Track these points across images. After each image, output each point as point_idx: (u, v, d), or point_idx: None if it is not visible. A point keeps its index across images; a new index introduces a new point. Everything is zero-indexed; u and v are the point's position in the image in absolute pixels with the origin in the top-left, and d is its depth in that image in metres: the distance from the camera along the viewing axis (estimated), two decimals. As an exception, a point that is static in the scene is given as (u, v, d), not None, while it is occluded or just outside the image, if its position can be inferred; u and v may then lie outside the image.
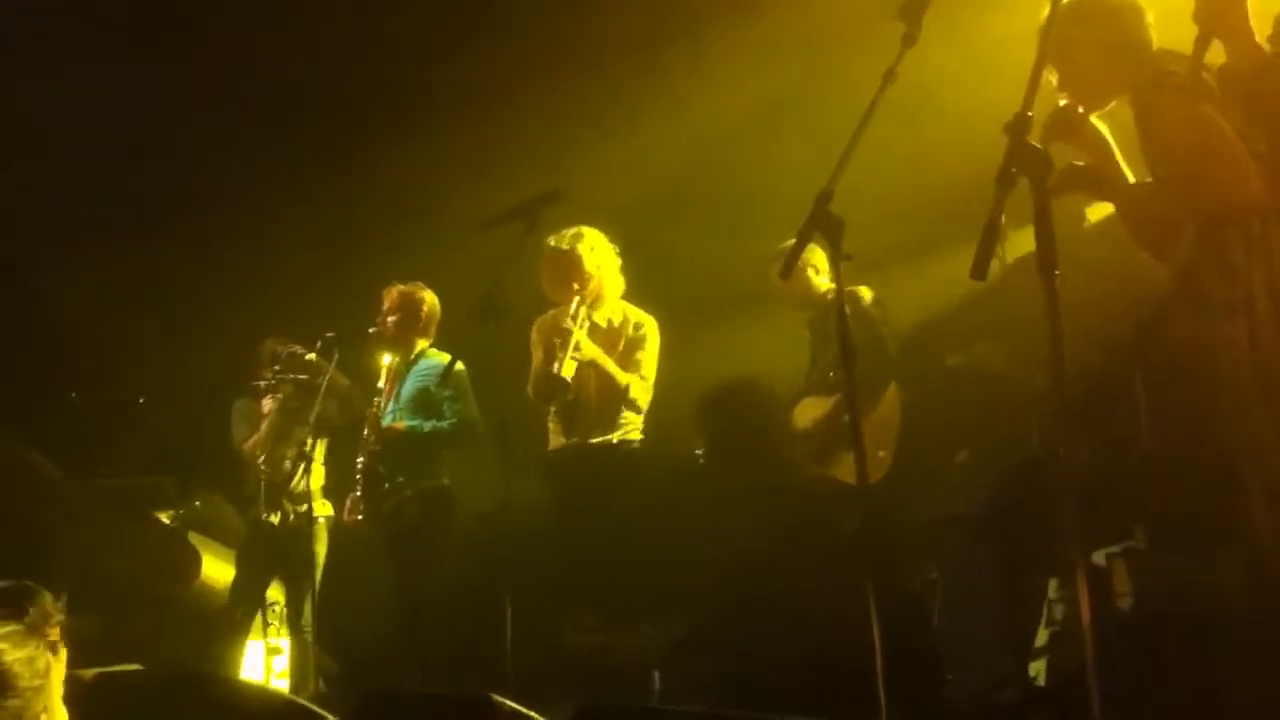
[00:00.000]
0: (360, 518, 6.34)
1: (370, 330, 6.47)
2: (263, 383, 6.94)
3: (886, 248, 6.07)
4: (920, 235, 6.28)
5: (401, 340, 6.48)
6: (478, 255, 6.15)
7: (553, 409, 5.98)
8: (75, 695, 2.66)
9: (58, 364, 7.94)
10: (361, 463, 6.36)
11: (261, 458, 6.89)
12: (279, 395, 6.87)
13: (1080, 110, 3.79)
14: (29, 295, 7.90)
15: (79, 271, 7.88)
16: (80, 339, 7.96)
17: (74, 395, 7.70)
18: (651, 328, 6.05)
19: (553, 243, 5.94)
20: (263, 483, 6.88)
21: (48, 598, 3.64)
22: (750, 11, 6.54)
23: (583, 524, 5.77)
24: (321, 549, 6.83)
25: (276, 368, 6.88)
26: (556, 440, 6.00)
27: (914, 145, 5.80)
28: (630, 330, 6.03)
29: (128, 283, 7.91)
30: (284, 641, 7.29)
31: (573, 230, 5.96)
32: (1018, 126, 2.93)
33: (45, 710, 2.47)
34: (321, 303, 7.22)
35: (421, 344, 6.53)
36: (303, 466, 6.92)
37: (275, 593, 6.96)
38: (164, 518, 7.25)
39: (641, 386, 5.94)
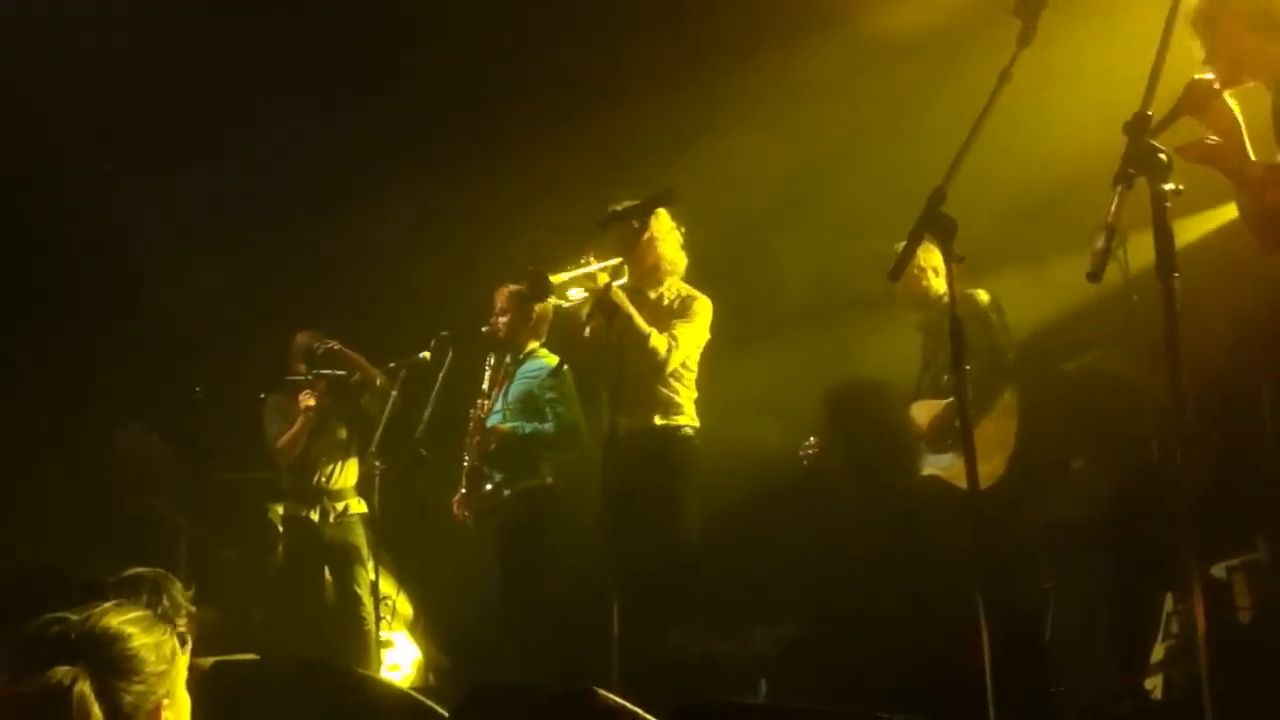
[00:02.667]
0: (468, 514, 6.41)
1: (482, 329, 6.51)
2: (298, 378, 7.02)
3: (1003, 250, 5.99)
4: (1038, 237, 6.17)
5: (512, 340, 6.51)
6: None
7: (605, 386, 5.71)
8: (193, 683, 2.72)
9: (184, 362, 8.14)
10: (467, 462, 6.41)
11: (296, 454, 7.00)
12: (315, 391, 6.95)
13: (1216, 86, 3.70)
14: (160, 297, 8.11)
15: (205, 274, 8.08)
16: (206, 339, 8.16)
17: (198, 390, 7.87)
18: (702, 303, 5.88)
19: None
20: (314, 480, 7.00)
21: (179, 588, 3.73)
22: (866, 11, 6.48)
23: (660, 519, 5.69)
24: (364, 543, 6.94)
25: (306, 364, 6.97)
26: (611, 420, 5.83)
27: (1031, 145, 5.71)
28: (678, 304, 5.88)
29: (249, 285, 8.08)
30: (396, 635, 7.41)
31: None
32: (1137, 126, 2.87)
33: (168, 695, 2.52)
34: (435, 302, 7.30)
35: (532, 344, 6.55)
36: (340, 464, 7.04)
37: (387, 586, 7.06)
38: (279, 510, 7.40)
39: (663, 342, 5.70)
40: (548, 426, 6.34)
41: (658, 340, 5.72)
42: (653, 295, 5.90)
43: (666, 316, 5.85)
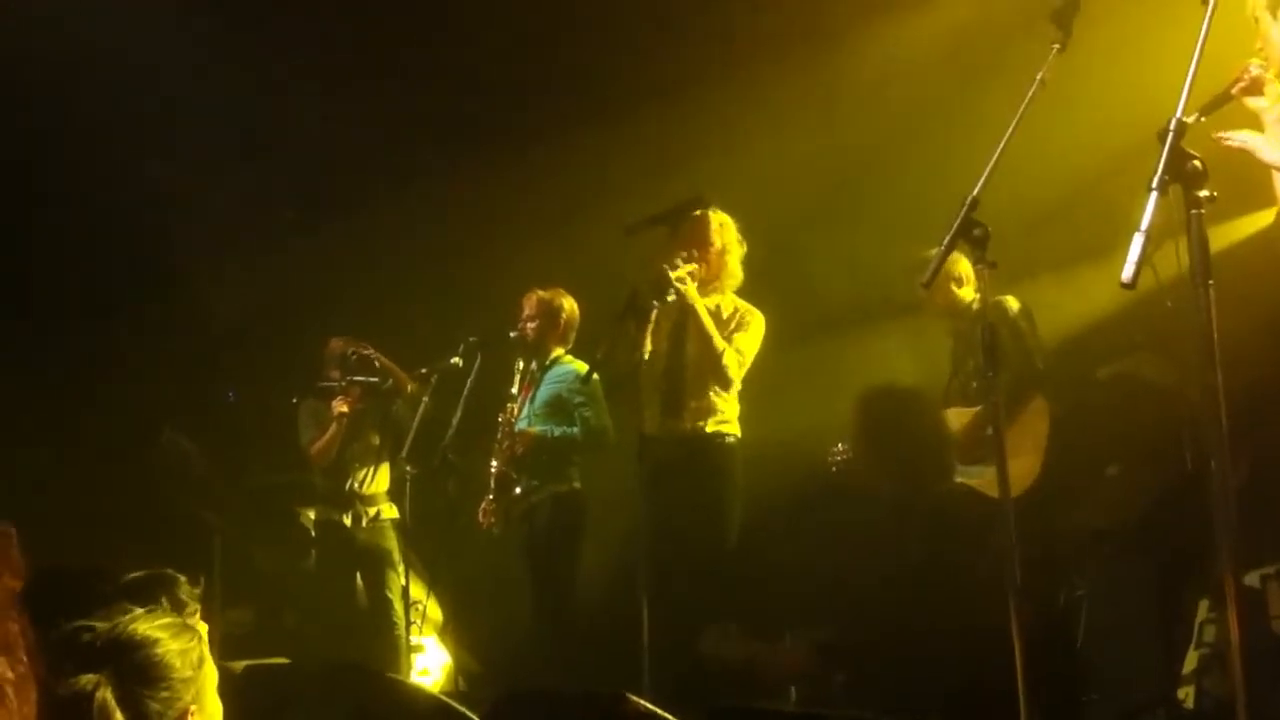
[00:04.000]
0: (494, 521, 6.41)
1: (510, 335, 6.53)
2: (332, 384, 7.06)
3: (1035, 256, 5.97)
4: (1070, 243, 6.15)
5: (540, 345, 6.52)
6: (621, 261, 6.18)
7: (650, 388, 5.81)
8: (225, 686, 2.74)
9: (217, 365, 8.20)
10: (495, 467, 6.42)
11: (329, 460, 7.04)
12: (348, 397, 6.98)
13: (1269, 73, 3.68)
14: (193, 302, 8.17)
15: (238, 279, 8.13)
16: (238, 343, 8.21)
17: (230, 395, 7.93)
18: (758, 319, 5.92)
19: None
20: (347, 485, 7.04)
21: (186, 587, 3.74)
22: (898, 16, 6.47)
23: (694, 524, 5.70)
24: (395, 548, 6.97)
25: (340, 370, 7.01)
26: (652, 421, 5.78)
27: (1064, 150, 5.69)
28: (736, 319, 5.91)
29: (281, 289, 8.13)
30: (427, 640, 7.44)
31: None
32: (1172, 133, 2.86)
33: (195, 701, 2.54)
34: (464, 306, 7.32)
35: (558, 350, 6.55)
36: (372, 469, 7.07)
37: (418, 591, 7.09)
38: (311, 514, 7.44)
39: (735, 359, 5.78)
40: (576, 430, 6.35)
41: (730, 357, 5.77)
42: (711, 305, 5.89)
43: (724, 328, 5.87)
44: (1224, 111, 3.66)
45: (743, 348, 5.84)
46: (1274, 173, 3.68)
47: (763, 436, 6.07)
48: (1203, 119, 3.21)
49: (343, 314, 7.62)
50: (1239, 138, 3.57)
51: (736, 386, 5.87)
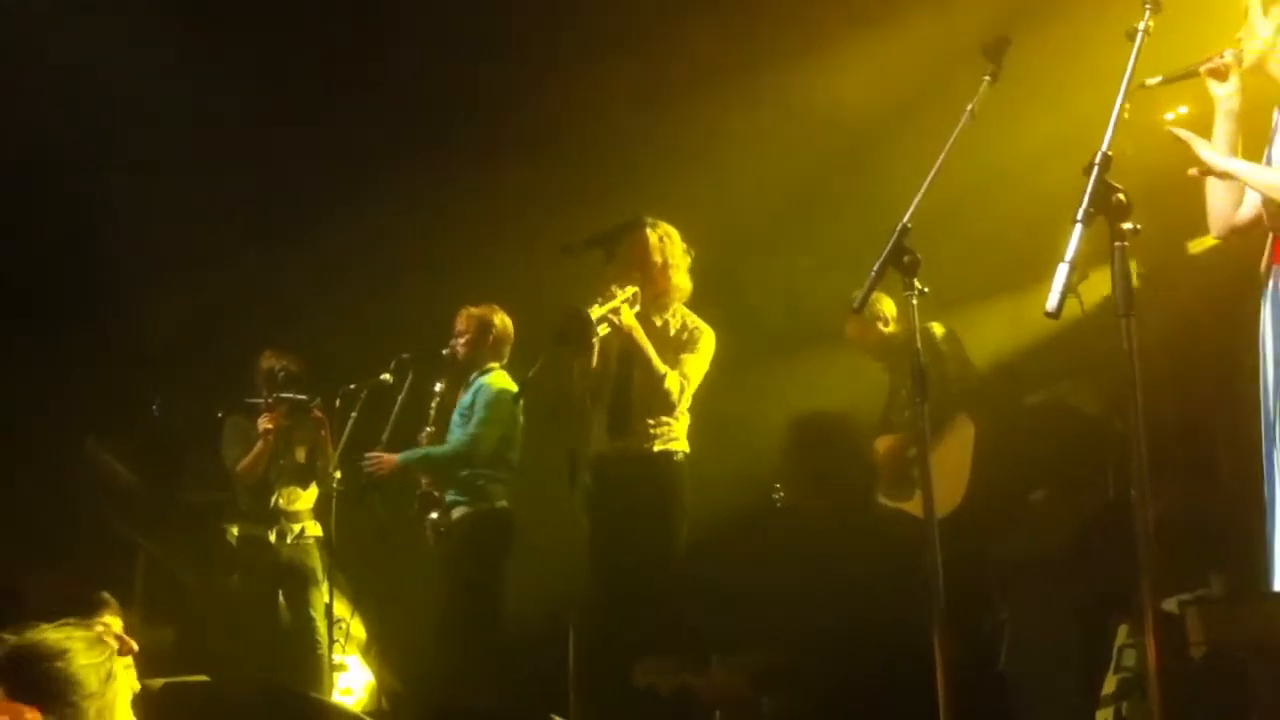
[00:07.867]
0: (429, 534, 6.37)
1: (443, 352, 6.50)
2: (258, 401, 6.99)
3: (966, 284, 6.04)
4: (1000, 272, 6.24)
5: (472, 362, 6.49)
6: (559, 280, 6.17)
7: (599, 406, 5.73)
8: (144, 704, 2.70)
9: (143, 379, 8.07)
10: (423, 485, 6.39)
11: (256, 477, 6.97)
12: (273, 414, 6.92)
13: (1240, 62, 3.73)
14: (121, 313, 8.05)
15: (169, 291, 8.03)
16: (166, 357, 8.10)
17: (154, 408, 7.80)
18: (707, 336, 5.75)
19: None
20: (271, 502, 6.99)
21: (99, 599, 3.68)
22: (841, 47, 6.52)
23: (638, 547, 5.63)
24: (319, 566, 6.92)
25: (268, 387, 6.95)
26: (600, 439, 5.73)
27: (994, 180, 5.77)
28: (684, 335, 5.75)
29: (213, 304, 8.04)
30: (350, 659, 7.36)
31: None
32: (1098, 166, 2.91)
33: (100, 716, 2.51)
34: (398, 323, 7.28)
35: (491, 364, 6.49)
36: (297, 486, 7.02)
37: (342, 610, 7.01)
38: (234, 531, 7.34)
39: (677, 383, 5.60)
40: (446, 448, 6.35)
41: (672, 381, 5.60)
42: (658, 322, 5.74)
43: (672, 346, 5.71)
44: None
45: (688, 371, 5.68)
46: (1206, 183, 3.73)
47: (700, 459, 6.07)
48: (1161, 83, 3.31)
49: (275, 328, 7.54)
50: (1184, 133, 3.62)
51: (683, 407, 5.73)
